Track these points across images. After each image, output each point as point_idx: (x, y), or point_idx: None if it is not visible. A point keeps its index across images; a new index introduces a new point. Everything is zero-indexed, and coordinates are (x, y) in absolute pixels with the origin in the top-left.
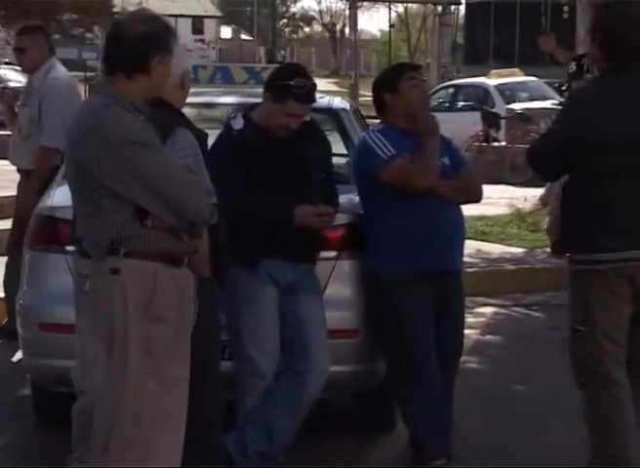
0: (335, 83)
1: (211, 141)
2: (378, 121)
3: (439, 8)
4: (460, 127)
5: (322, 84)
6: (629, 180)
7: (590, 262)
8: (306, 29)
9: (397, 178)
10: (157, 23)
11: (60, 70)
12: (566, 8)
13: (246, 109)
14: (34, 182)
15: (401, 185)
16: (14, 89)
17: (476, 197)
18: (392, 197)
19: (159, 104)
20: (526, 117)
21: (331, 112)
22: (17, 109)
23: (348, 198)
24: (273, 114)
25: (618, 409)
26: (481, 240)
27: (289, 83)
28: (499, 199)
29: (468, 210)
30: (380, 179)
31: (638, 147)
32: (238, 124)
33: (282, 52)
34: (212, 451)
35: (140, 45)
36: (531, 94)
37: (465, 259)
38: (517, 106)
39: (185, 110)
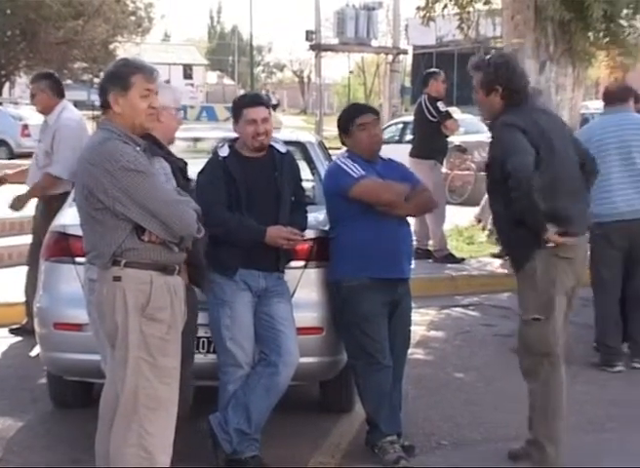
0: (303, 120)
1: (199, 168)
2: (339, 151)
3: (390, 57)
4: (408, 156)
5: (292, 121)
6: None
7: None
8: (279, 75)
9: (366, 193)
10: (120, 65)
11: (72, 111)
12: None
13: (231, 140)
14: (30, 195)
15: (369, 199)
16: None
17: (433, 207)
18: (356, 216)
19: (145, 137)
20: (462, 148)
21: (299, 144)
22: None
23: (314, 216)
24: (242, 131)
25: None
26: (426, 251)
27: (240, 102)
28: None
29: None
30: (350, 195)
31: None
32: (224, 152)
33: (275, 95)
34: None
35: (102, 83)
36: (466, 129)
37: (413, 267)
38: (455, 139)
39: (177, 143)
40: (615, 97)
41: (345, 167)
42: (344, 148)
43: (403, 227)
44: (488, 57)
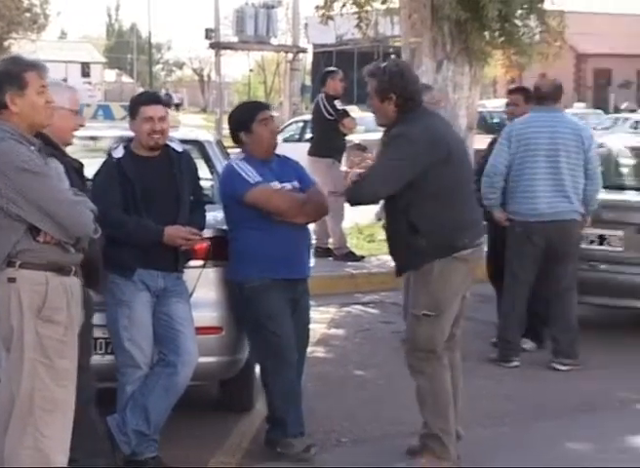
0: (203, 118)
1: (96, 167)
2: (238, 150)
3: (290, 55)
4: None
5: (192, 119)
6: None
7: None
8: (178, 73)
9: (260, 200)
10: (9, 63)
11: None
12: (394, 56)
13: (126, 140)
14: None
15: (263, 206)
16: None
17: (324, 212)
18: (254, 218)
19: (38, 137)
20: (362, 147)
21: (197, 143)
22: None
23: (213, 215)
24: (138, 128)
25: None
26: (326, 249)
27: (138, 100)
28: None
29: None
30: (245, 201)
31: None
32: (118, 153)
33: (178, 94)
34: (87, 430)
35: None
36: (367, 127)
37: (313, 265)
38: (355, 137)
39: (74, 141)
40: (548, 96)
41: (241, 171)
42: (240, 148)
43: (301, 227)
44: (383, 64)
